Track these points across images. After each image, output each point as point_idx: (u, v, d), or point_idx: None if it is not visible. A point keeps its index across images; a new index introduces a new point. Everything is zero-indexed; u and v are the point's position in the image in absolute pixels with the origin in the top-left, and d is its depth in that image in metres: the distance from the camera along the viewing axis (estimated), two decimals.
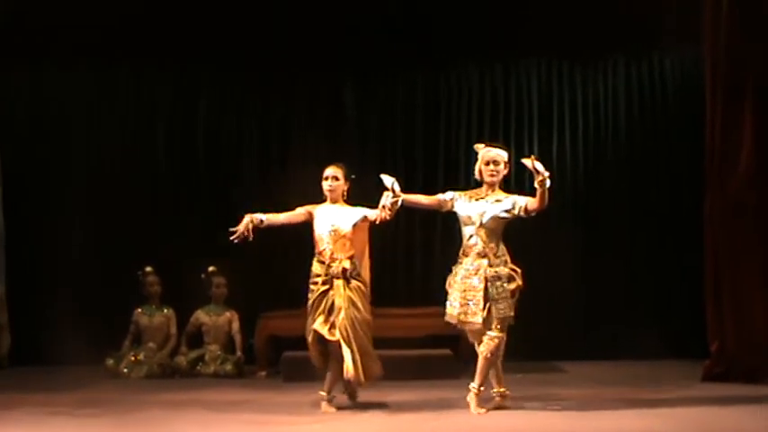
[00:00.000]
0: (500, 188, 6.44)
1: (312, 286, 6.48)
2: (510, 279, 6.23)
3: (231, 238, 6.40)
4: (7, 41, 9.27)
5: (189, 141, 9.97)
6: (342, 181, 6.65)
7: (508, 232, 9.57)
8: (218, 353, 8.80)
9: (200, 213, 9.82)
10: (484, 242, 6.26)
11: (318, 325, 6.32)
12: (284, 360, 8.36)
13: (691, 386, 7.42)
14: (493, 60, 10.00)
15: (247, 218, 6.44)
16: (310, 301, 6.45)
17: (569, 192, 9.57)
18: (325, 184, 6.62)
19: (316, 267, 6.51)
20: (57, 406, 6.67)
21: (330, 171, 6.66)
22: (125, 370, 8.64)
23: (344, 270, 6.41)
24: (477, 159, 6.50)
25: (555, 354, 9.00)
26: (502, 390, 6.39)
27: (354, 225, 6.54)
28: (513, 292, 6.22)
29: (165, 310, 9.09)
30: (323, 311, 6.35)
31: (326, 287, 6.40)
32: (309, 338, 6.44)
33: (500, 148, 6.50)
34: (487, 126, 9.97)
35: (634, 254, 9.70)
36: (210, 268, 8.98)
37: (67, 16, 9.06)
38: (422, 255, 9.81)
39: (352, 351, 6.23)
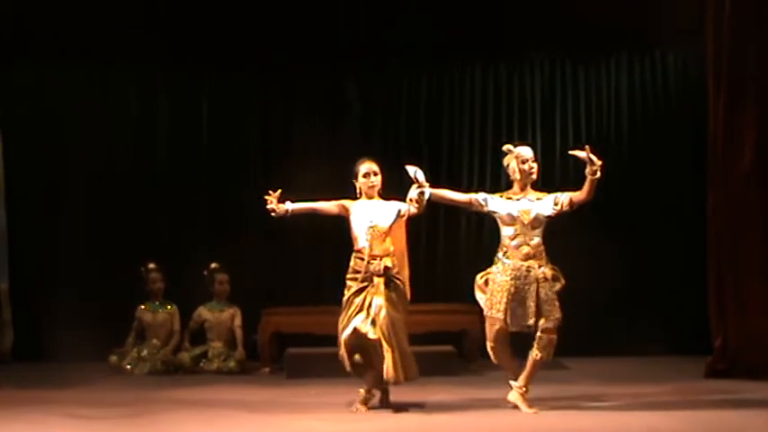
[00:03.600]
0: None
1: (350, 282, 6.27)
2: (555, 279, 6.21)
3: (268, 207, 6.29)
4: (8, 41, 9.30)
5: (191, 138, 9.98)
6: (380, 175, 6.41)
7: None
8: (222, 349, 8.81)
9: (202, 210, 9.85)
10: (530, 242, 6.19)
11: (360, 323, 6.12)
12: (288, 356, 8.37)
13: (693, 383, 7.43)
14: (496, 58, 10.01)
15: (273, 206, 6.27)
16: (345, 297, 6.26)
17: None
18: (366, 181, 6.37)
19: (355, 264, 6.31)
20: (59, 402, 6.66)
21: (370, 167, 6.41)
22: (128, 366, 8.65)
23: (387, 268, 6.20)
24: (502, 160, 6.37)
25: (558, 350, 8.96)
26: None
27: (393, 221, 6.34)
28: (558, 292, 6.20)
29: (169, 307, 9.10)
30: (361, 309, 6.17)
31: (365, 284, 6.20)
32: (345, 336, 6.19)
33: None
34: (491, 123, 9.99)
35: (637, 251, 9.70)
36: (213, 265, 8.99)
37: (67, 16, 9.09)
38: (425, 252, 9.81)
39: (392, 351, 6.05)
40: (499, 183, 9.31)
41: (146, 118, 9.97)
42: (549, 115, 9.96)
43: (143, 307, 9.07)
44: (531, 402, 6.14)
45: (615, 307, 9.55)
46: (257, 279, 9.55)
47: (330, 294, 9.67)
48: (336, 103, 9.93)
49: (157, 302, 9.09)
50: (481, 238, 9.85)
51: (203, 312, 9.01)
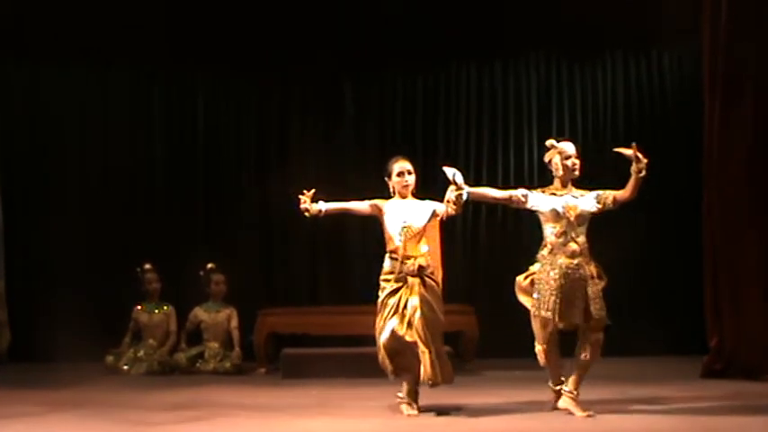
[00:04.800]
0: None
1: (384, 284, 6.10)
2: (599, 277, 6.06)
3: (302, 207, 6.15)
4: (6, 41, 9.30)
5: (188, 138, 9.99)
6: (414, 174, 6.23)
7: (507, 229, 9.60)
8: (218, 350, 8.81)
9: (199, 210, 9.86)
10: (577, 239, 6.01)
11: (397, 325, 5.94)
12: (283, 357, 8.37)
13: (690, 383, 7.42)
14: (491, 58, 10.02)
15: (307, 205, 6.12)
16: (380, 299, 6.07)
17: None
18: (400, 180, 6.18)
19: (389, 264, 6.12)
20: (56, 403, 6.64)
21: (404, 165, 6.22)
22: (125, 367, 8.66)
23: (421, 268, 6.04)
24: (544, 155, 6.23)
25: None
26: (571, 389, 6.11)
27: (427, 221, 6.17)
28: (603, 289, 6.06)
29: (165, 308, 9.09)
30: (396, 311, 5.98)
31: (399, 285, 6.03)
32: (383, 340, 6.01)
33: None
34: (486, 123, 10.00)
35: (633, 250, 9.69)
36: (209, 265, 8.98)
37: (66, 16, 9.10)
38: None
39: (429, 353, 5.87)
40: (496, 182, 9.34)
41: (143, 118, 9.98)
42: (544, 114, 9.97)
43: (139, 307, 9.07)
44: (584, 406, 5.97)
45: (613, 308, 9.50)
46: (253, 280, 9.57)
47: (325, 295, 9.77)
48: (332, 104, 9.94)
49: (154, 303, 9.09)
50: (477, 237, 9.88)
51: (199, 313, 9.01)
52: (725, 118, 7.82)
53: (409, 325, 5.94)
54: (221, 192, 9.88)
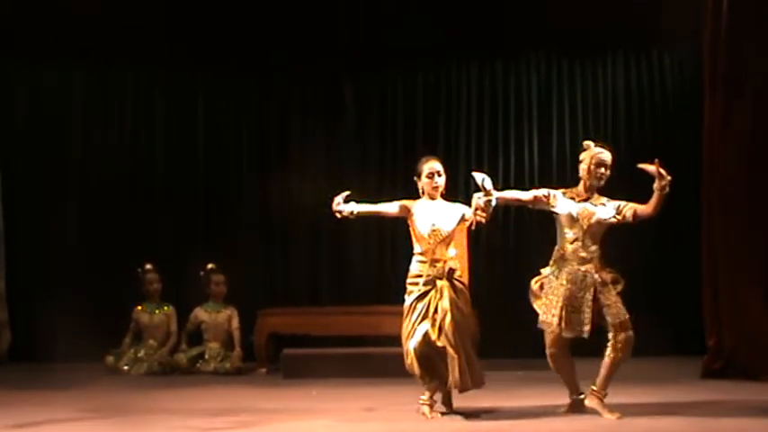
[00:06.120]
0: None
1: (411, 287, 5.99)
2: (615, 282, 6.01)
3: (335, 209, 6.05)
4: (6, 41, 9.30)
5: (188, 138, 9.99)
6: (444, 175, 6.10)
7: (507, 230, 9.57)
8: (218, 350, 8.81)
9: (199, 210, 9.86)
10: (588, 247, 5.94)
11: (430, 330, 5.84)
12: (284, 357, 8.37)
13: (690, 383, 7.43)
14: (492, 58, 10.01)
15: (340, 206, 6.02)
16: (408, 302, 5.97)
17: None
18: (430, 182, 6.05)
19: (417, 267, 6.02)
20: (56, 403, 6.66)
21: (435, 166, 6.08)
22: (125, 367, 8.66)
23: (452, 270, 5.96)
24: (576, 156, 6.14)
25: None
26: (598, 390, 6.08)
27: (456, 225, 6.06)
28: (620, 293, 6.01)
29: (166, 308, 9.08)
30: (426, 316, 5.88)
31: (428, 288, 5.93)
32: (415, 345, 5.88)
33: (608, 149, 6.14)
34: (487, 123, 10.00)
35: (632, 250, 9.69)
36: (210, 266, 8.98)
37: (67, 17, 9.10)
38: None
39: (459, 358, 5.79)
40: (496, 183, 9.33)
41: (143, 118, 9.98)
42: (545, 114, 9.96)
43: (140, 308, 9.06)
44: (611, 408, 5.95)
45: None
46: (253, 280, 9.57)
47: (325, 295, 9.77)
48: (333, 104, 9.94)
49: (154, 303, 9.08)
50: (478, 237, 9.86)
51: (200, 313, 9.01)
52: (725, 118, 7.83)
53: (440, 329, 5.85)
54: (221, 192, 9.88)
